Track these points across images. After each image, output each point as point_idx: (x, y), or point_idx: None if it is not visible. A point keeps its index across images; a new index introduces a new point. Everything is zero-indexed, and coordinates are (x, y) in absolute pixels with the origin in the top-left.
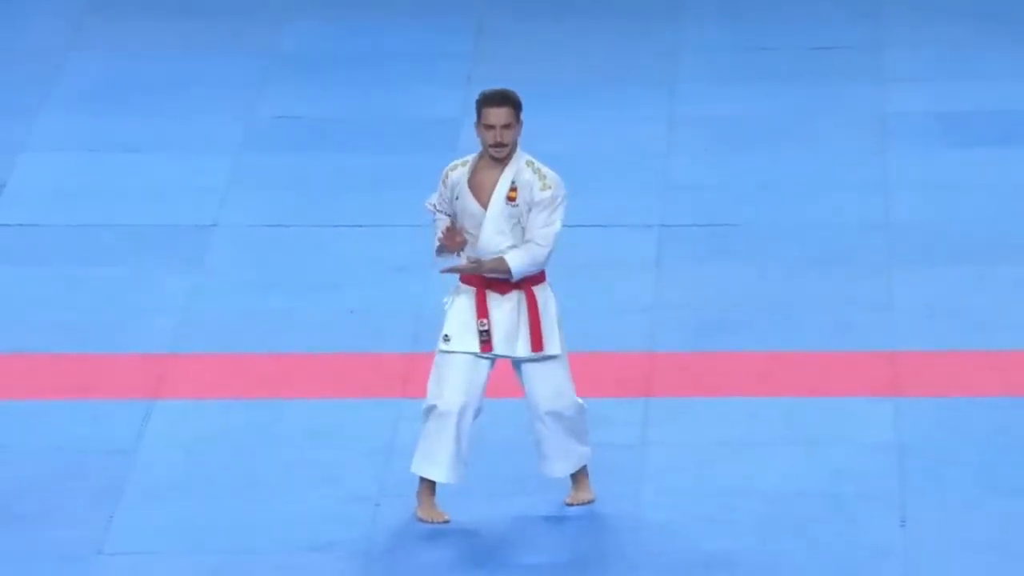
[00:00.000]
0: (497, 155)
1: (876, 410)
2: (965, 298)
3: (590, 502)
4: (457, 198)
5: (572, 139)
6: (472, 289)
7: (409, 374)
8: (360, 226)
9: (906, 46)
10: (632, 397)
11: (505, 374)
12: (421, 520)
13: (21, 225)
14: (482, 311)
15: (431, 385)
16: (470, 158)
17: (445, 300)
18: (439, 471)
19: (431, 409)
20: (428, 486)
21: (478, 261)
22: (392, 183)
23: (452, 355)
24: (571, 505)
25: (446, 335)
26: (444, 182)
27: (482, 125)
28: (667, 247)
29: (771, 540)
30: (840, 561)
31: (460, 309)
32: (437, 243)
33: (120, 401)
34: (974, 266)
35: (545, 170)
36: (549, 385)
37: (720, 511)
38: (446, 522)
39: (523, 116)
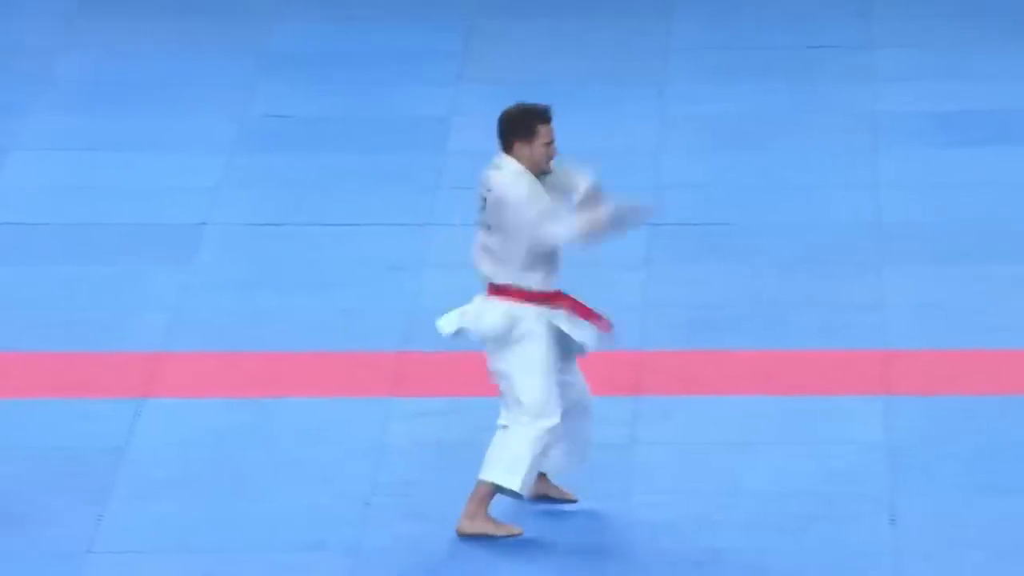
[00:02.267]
0: (550, 169)
1: (866, 409)
2: (956, 297)
3: (575, 500)
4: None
5: (563, 138)
6: (560, 306)
7: (400, 373)
8: (351, 225)
9: (897, 45)
10: (622, 396)
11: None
12: (492, 536)
13: (11, 224)
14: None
15: (545, 403)
16: (516, 172)
17: (524, 324)
18: (523, 482)
19: (543, 427)
20: (487, 497)
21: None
22: (383, 182)
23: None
24: (555, 500)
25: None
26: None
27: (539, 143)
28: (657, 246)
29: (761, 539)
30: (830, 560)
31: (565, 323)
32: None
33: (110, 400)
34: (965, 265)
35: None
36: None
37: (710, 510)
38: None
39: None
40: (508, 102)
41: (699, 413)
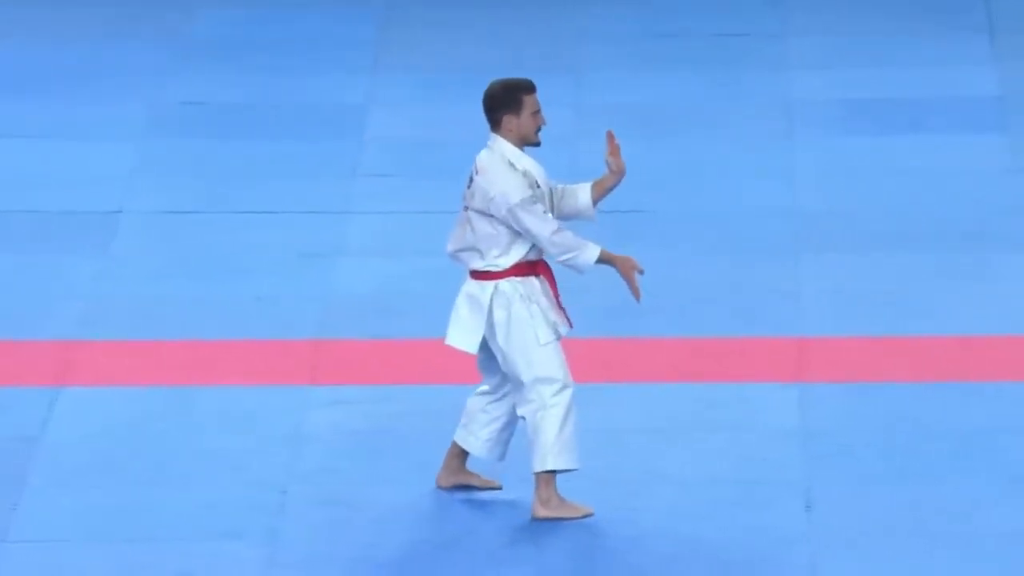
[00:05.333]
0: (538, 141)
1: (782, 396)
2: (870, 284)
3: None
4: (563, 197)
5: (478, 126)
6: (541, 277)
7: (317, 361)
8: (268, 212)
9: (810, 33)
10: None
11: (419, 359)
12: (569, 519)
13: None
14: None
15: (559, 373)
16: (508, 154)
17: (516, 302)
18: (576, 457)
19: (568, 395)
20: (553, 479)
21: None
22: (298, 169)
23: (558, 343)
24: (478, 488)
25: (554, 322)
26: (532, 185)
27: (527, 113)
28: (574, 233)
29: (679, 525)
30: (747, 546)
31: (545, 297)
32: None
33: (25, 388)
34: (879, 252)
35: None
36: None
37: (628, 497)
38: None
39: None
40: (425, 90)
41: (616, 400)
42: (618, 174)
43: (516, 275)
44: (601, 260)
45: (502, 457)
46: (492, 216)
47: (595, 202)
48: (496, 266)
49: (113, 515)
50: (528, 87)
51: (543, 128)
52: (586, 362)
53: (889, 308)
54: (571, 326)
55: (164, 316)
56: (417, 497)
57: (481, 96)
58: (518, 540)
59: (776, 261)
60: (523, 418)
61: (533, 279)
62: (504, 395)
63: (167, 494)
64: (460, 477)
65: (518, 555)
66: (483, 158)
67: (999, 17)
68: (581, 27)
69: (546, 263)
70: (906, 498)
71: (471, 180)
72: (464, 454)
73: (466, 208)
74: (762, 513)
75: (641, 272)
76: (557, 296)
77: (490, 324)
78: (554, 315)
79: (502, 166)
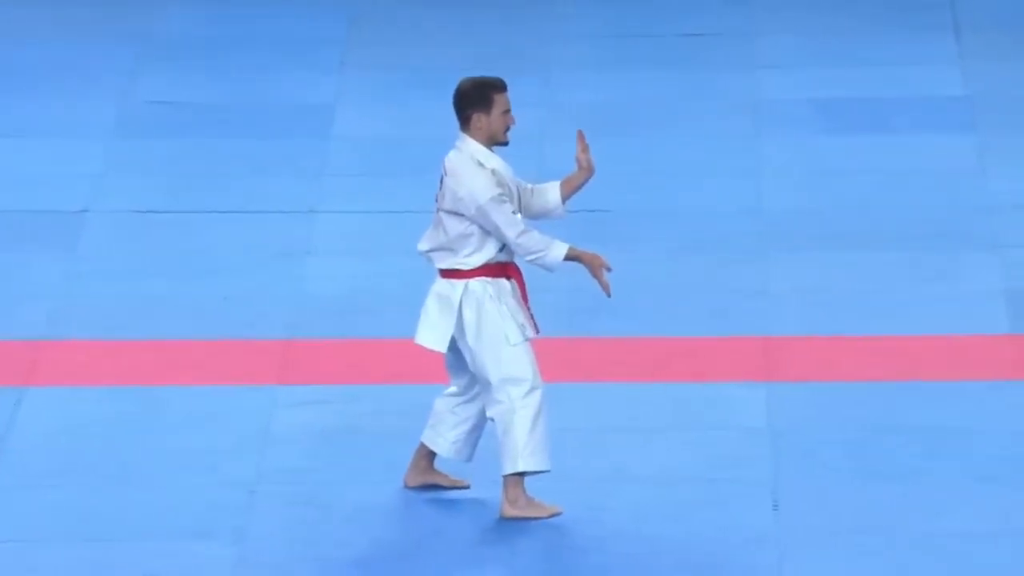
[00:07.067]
0: (507, 140)
1: (750, 395)
2: (838, 284)
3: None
4: (532, 196)
5: (446, 125)
6: (512, 280)
7: (286, 361)
8: (235, 212)
9: (779, 33)
10: None
11: (388, 359)
12: (537, 518)
13: None
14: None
15: (529, 374)
16: (476, 153)
17: (486, 302)
18: (547, 458)
19: (538, 396)
20: (521, 480)
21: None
22: (266, 169)
23: (527, 343)
24: (446, 487)
25: (523, 324)
26: (501, 183)
27: (497, 112)
28: (542, 233)
29: (647, 525)
30: (715, 545)
31: (514, 299)
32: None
33: None
34: (847, 252)
35: None
36: None
37: (596, 497)
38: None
39: None
40: (393, 89)
41: (584, 399)
42: (588, 171)
43: (486, 275)
44: (569, 257)
45: (470, 458)
46: (462, 215)
47: (564, 199)
48: (466, 264)
49: (80, 515)
50: (499, 86)
51: (511, 128)
52: (554, 361)
53: (857, 307)
54: (538, 332)
55: (132, 316)
56: (386, 496)
57: (449, 95)
58: (487, 540)
59: (744, 260)
60: (492, 420)
61: (504, 281)
62: (473, 397)
63: (135, 494)
64: (428, 477)
65: (487, 554)
66: (452, 159)
67: (964, 16)
68: (549, 27)
69: (517, 267)
70: (874, 497)
71: (442, 181)
72: (432, 454)
73: (439, 210)
74: (730, 512)
75: (609, 269)
76: (526, 301)
77: (459, 323)
78: (522, 318)
79: (470, 165)
